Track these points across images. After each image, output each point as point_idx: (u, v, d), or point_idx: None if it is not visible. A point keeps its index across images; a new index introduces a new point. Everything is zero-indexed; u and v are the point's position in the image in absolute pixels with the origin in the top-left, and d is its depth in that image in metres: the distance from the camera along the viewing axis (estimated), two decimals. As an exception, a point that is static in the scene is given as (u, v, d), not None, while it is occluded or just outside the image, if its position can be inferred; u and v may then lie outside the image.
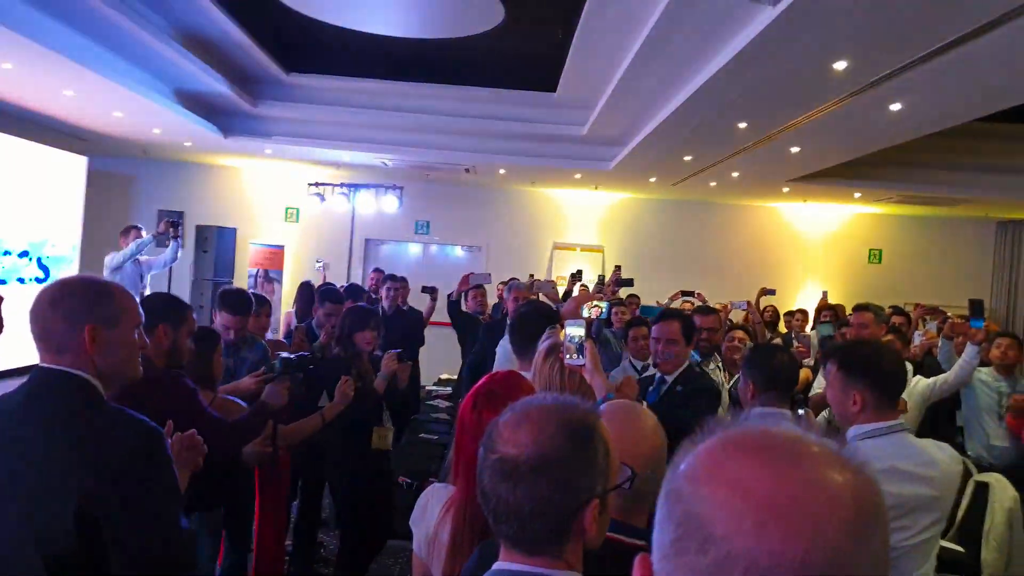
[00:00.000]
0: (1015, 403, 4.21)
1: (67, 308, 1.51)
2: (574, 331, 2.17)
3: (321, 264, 8.10)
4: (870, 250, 10.66)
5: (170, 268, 7.57)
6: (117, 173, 9.88)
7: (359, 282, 9.59)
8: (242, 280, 9.39)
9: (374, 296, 6.73)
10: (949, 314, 6.42)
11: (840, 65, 4.11)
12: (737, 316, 6.66)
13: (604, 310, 4.83)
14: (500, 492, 1.03)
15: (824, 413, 3.53)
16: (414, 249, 10.77)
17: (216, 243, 8.88)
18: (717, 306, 6.50)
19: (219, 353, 3.01)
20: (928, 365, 4.64)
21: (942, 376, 4.13)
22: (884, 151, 6.52)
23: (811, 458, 0.61)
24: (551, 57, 6.13)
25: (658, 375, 3.10)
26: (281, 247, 10.09)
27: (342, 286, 6.83)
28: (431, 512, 1.68)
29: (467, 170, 8.92)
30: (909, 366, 4.04)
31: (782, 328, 7.66)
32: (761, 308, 7.06)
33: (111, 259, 6.55)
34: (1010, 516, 3.42)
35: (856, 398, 2.07)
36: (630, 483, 1.18)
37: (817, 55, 3.99)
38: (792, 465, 0.60)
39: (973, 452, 4.33)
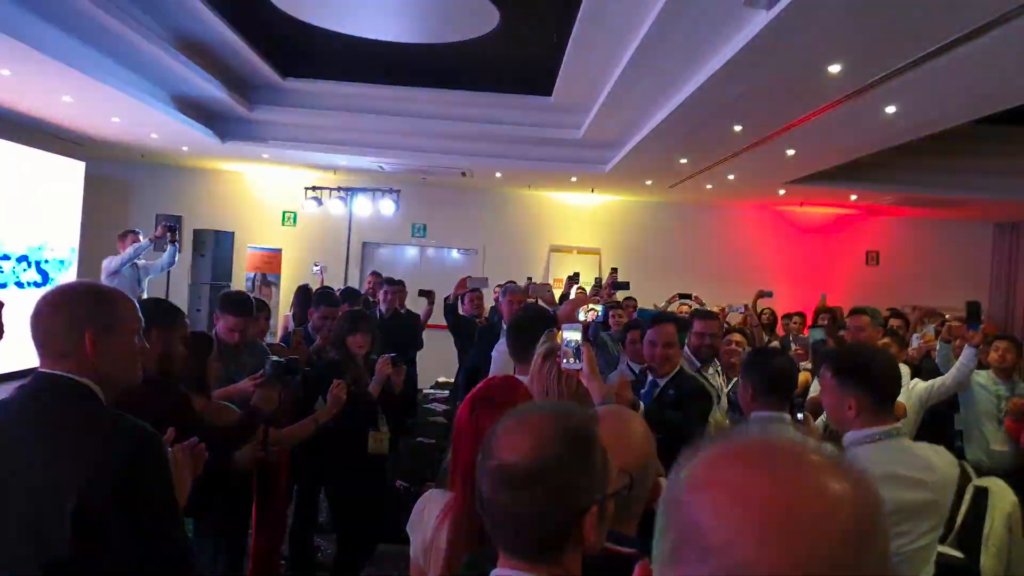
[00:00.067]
0: (1014, 407, 4.21)
1: (68, 314, 1.52)
2: (571, 335, 2.17)
3: (318, 267, 8.09)
4: (867, 252, 10.67)
5: (168, 272, 7.56)
6: (115, 178, 9.87)
7: (357, 285, 9.60)
8: (239, 284, 9.37)
9: (371, 299, 6.73)
10: (947, 316, 6.42)
11: (835, 68, 4.12)
12: (734, 319, 6.67)
13: (600, 313, 4.83)
14: (499, 499, 1.03)
15: (822, 417, 3.53)
16: (411, 252, 10.77)
17: (213, 247, 8.87)
18: (714, 309, 6.50)
19: (212, 358, 2.99)
20: (926, 368, 4.64)
21: (940, 379, 4.12)
22: (880, 153, 6.54)
23: (811, 467, 0.61)
24: (547, 61, 6.14)
25: (650, 378, 3.09)
26: (278, 251, 10.08)
27: (339, 289, 6.83)
28: (428, 518, 1.67)
29: (464, 173, 8.93)
30: (907, 369, 4.04)
31: (780, 331, 7.67)
32: (759, 311, 7.07)
33: (108, 263, 6.54)
34: (1010, 521, 3.42)
35: (851, 403, 2.07)
36: (628, 489, 1.18)
37: (812, 58, 4.00)
38: (792, 474, 0.60)
39: (972, 456, 4.31)
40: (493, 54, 6.25)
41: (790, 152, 6.53)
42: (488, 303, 6.22)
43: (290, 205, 10.35)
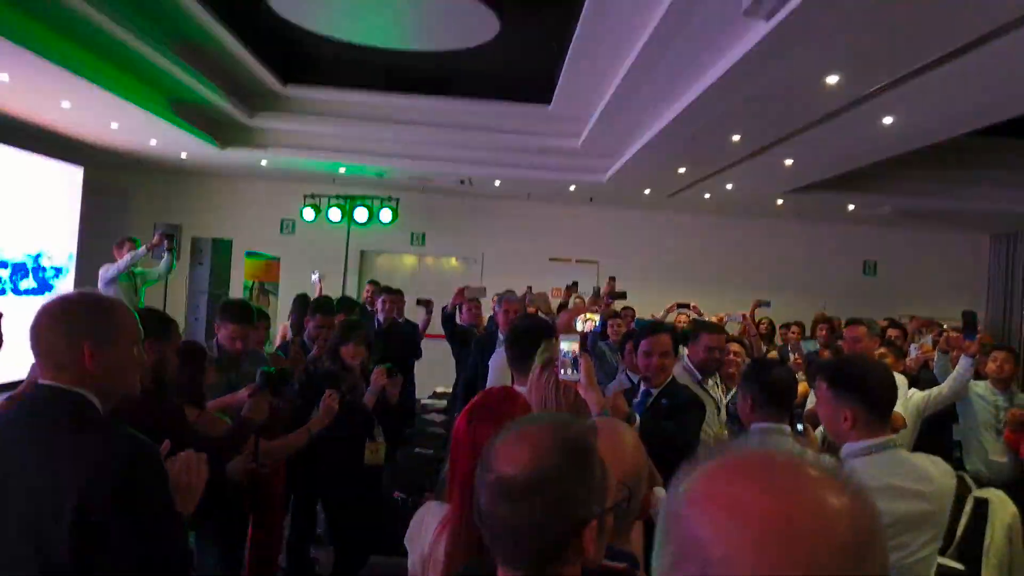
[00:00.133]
0: (1013, 417, 4.21)
1: (67, 325, 1.53)
2: (568, 346, 2.16)
3: (317, 276, 8.08)
4: (865, 262, 10.69)
5: (165, 280, 7.55)
6: (113, 184, 9.86)
7: (355, 294, 9.59)
8: (237, 292, 9.34)
9: (369, 308, 6.72)
10: (945, 327, 6.43)
11: (833, 79, 4.13)
12: (733, 329, 6.66)
13: (598, 323, 4.83)
14: (498, 512, 1.02)
15: (822, 428, 3.52)
16: (409, 261, 10.77)
17: (211, 255, 8.85)
18: (712, 318, 6.50)
19: (210, 367, 2.98)
20: (924, 379, 4.64)
21: (936, 389, 4.12)
22: (878, 164, 6.56)
23: (809, 480, 0.61)
24: (546, 70, 6.16)
25: (643, 388, 3.08)
26: (277, 259, 10.07)
27: (336, 298, 6.82)
28: (426, 530, 1.66)
29: (463, 182, 8.94)
30: (904, 379, 4.04)
31: (778, 340, 7.67)
32: (756, 320, 7.07)
33: (105, 271, 6.53)
34: (1010, 532, 3.41)
35: (847, 415, 2.06)
36: (628, 502, 1.17)
37: (810, 69, 4.02)
38: (790, 488, 0.60)
39: (972, 467, 4.31)
40: (493, 63, 6.27)
41: (788, 162, 6.55)
42: (487, 312, 6.20)
43: (289, 213, 10.35)
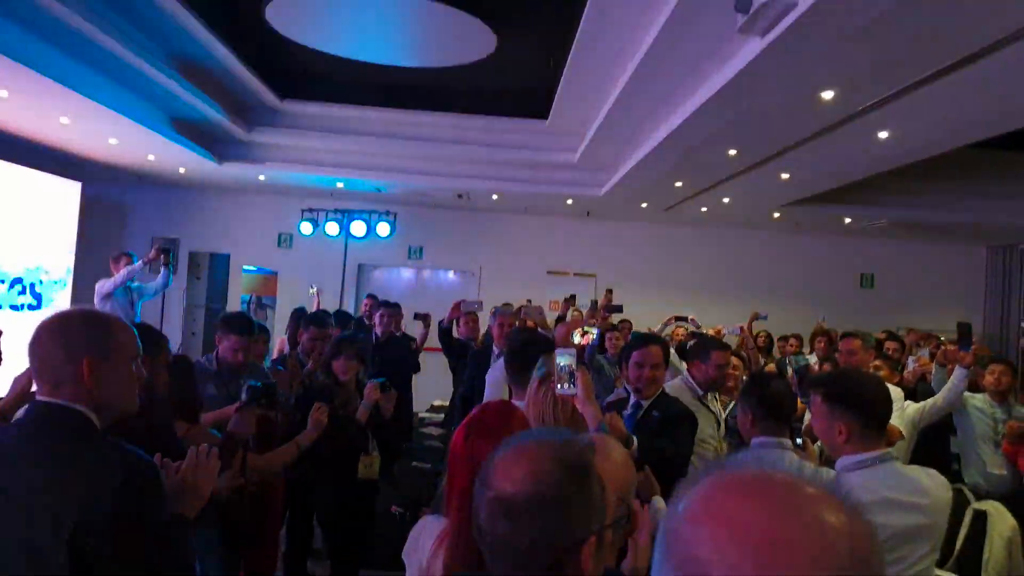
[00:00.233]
0: (1011, 430, 4.21)
1: (65, 341, 1.52)
2: (564, 360, 2.15)
3: (314, 290, 8.08)
4: (861, 275, 10.72)
5: (163, 295, 7.55)
6: (111, 199, 9.88)
7: (352, 308, 9.59)
8: (235, 306, 9.36)
9: (367, 322, 6.71)
10: (942, 339, 6.44)
11: (827, 95, 4.16)
12: (731, 341, 6.66)
13: (596, 336, 4.83)
14: (496, 529, 1.02)
15: (819, 442, 3.52)
16: (407, 274, 10.78)
17: (209, 269, 8.86)
18: (709, 331, 6.50)
19: (196, 382, 2.98)
20: (921, 391, 4.63)
21: (931, 400, 4.12)
22: (874, 177, 6.59)
23: (808, 500, 0.61)
24: (543, 86, 6.20)
25: (633, 399, 3.07)
26: (274, 273, 10.08)
27: (333, 312, 6.81)
28: (424, 545, 1.66)
29: (460, 196, 8.97)
30: (900, 392, 4.04)
31: (776, 353, 7.67)
32: (754, 333, 7.07)
33: (102, 286, 6.53)
34: (1009, 545, 3.40)
35: (841, 428, 2.07)
36: (627, 520, 1.17)
37: (805, 85, 4.05)
38: (789, 507, 0.60)
39: (970, 480, 4.30)
40: (490, 79, 6.31)
41: (784, 176, 6.58)
42: (485, 326, 6.20)
43: (286, 227, 10.36)
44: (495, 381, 3.60)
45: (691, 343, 4.54)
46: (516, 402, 2.28)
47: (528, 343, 2.96)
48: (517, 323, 4.90)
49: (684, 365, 3.94)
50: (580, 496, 1.04)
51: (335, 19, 4.99)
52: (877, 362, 4.42)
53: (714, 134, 5.25)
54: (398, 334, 6.02)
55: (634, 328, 7.62)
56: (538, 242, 10.55)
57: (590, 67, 5.17)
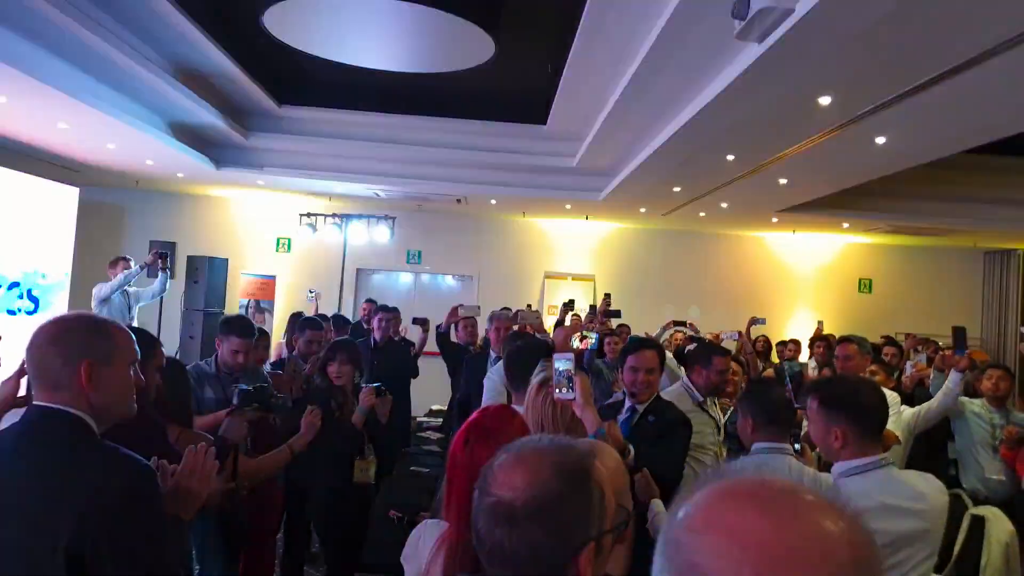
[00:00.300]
0: (1009, 435, 4.21)
1: (64, 345, 1.52)
2: (562, 365, 2.15)
3: (313, 294, 8.09)
4: (860, 280, 10.74)
5: (160, 299, 7.54)
6: (109, 204, 9.88)
7: (351, 312, 9.59)
8: (233, 310, 9.34)
9: (366, 326, 6.71)
10: (940, 344, 6.45)
11: (825, 100, 4.17)
12: (729, 347, 6.67)
13: (594, 341, 4.84)
14: (495, 536, 1.02)
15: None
16: (405, 279, 10.78)
17: (207, 273, 8.86)
18: (708, 336, 6.50)
19: (189, 386, 2.97)
20: (919, 397, 4.64)
21: (926, 404, 4.12)
22: (872, 182, 6.61)
23: (807, 507, 0.62)
24: (541, 91, 6.21)
25: (628, 404, 3.07)
26: (272, 277, 10.08)
27: (333, 315, 6.81)
28: (423, 549, 1.66)
29: (459, 201, 8.97)
30: (896, 396, 4.05)
31: (774, 358, 7.68)
32: (753, 338, 7.08)
33: (99, 290, 6.53)
34: (1007, 550, 3.40)
35: (837, 434, 2.07)
36: (626, 526, 1.17)
37: (802, 91, 4.06)
38: (789, 515, 0.61)
39: (968, 485, 4.30)
40: (488, 83, 6.32)
41: (782, 181, 6.59)
42: (483, 330, 6.20)
43: (284, 231, 10.37)
44: (493, 385, 3.60)
45: (689, 348, 4.53)
46: (515, 407, 2.29)
47: (527, 349, 2.96)
48: (515, 328, 4.90)
49: (682, 370, 3.94)
50: (579, 502, 1.04)
51: (333, 25, 4.99)
52: (873, 367, 4.43)
53: (712, 139, 5.26)
54: (397, 338, 6.02)
55: (632, 333, 7.63)
56: (536, 246, 10.57)
57: (588, 72, 5.18)
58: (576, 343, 4.66)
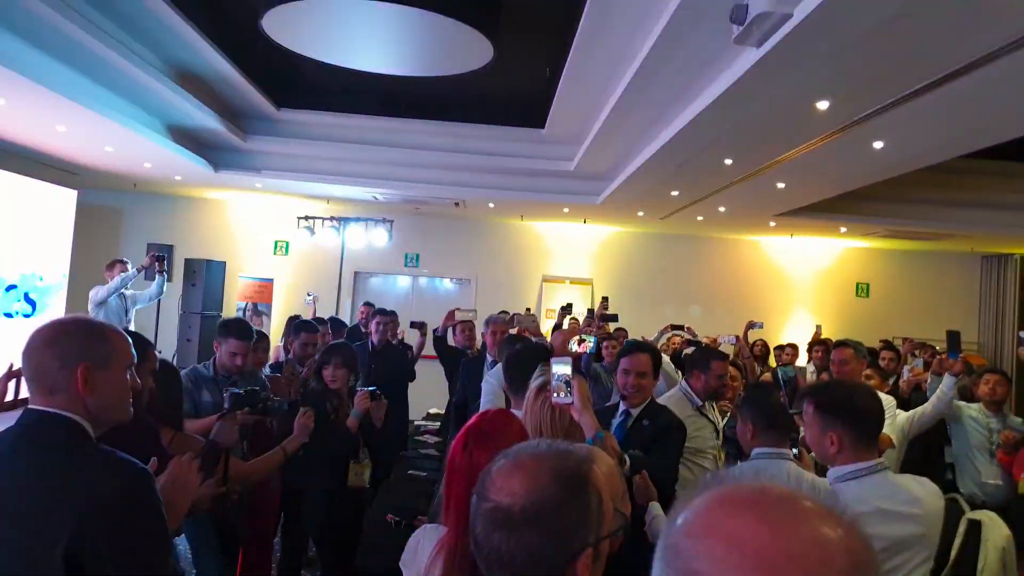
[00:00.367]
0: (1006, 439, 4.22)
1: (61, 348, 1.52)
2: (560, 369, 2.15)
3: (311, 297, 8.08)
4: (857, 284, 10.75)
5: (158, 301, 7.53)
6: (107, 206, 9.88)
7: (348, 315, 9.59)
8: (230, 313, 9.33)
9: (364, 330, 6.70)
10: (938, 348, 6.46)
11: (823, 105, 4.18)
12: (726, 350, 6.67)
13: (592, 345, 4.83)
14: (493, 541, 1.02)
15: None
16: (403, 282, 10.78)
17: (205, 276, 8.85)
18: (705, 339, 6.51)
19: (181, 389, 2.97)
20: (916, 401, 4.65)
21: (920, 408, 4.13)
22: (869, 186, 6.62)
23: (805, 514, 0.62)
24: (540, 94, 6.22)
25: (622, 407, 3.07)
26: (270, 280, 10.08)
27: (329, 318, 6.81)
28: (422, 554, 1.65)
29: (457, 204, 8.97)
30: (892, 400, 4.05)
31: (772, 362, 7.68)
32: (750, 342, 7.08)
33: (95, 293, 6.52)
34: (1003, 555, 3.40)
35: (833, 439, 2.07)
36: (624, 531, 1.17)
37: (800, 95, 4.07)
38: (787, 521, 0.61)
39: (966, 490, 4.31)
40: (487, 87, 6.33)
41: (780, 185, 6.61)
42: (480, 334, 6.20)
43: (282, 234, 10.37)
44: (491, 389, 3.60)
45: (686, 352, 4.54)
46: (515, 411, 2.28)
47: (526, 352, 2.97)
48: (513, 331, 4.90)
49: (679, 374, 3.94)
50: (577, 508, 1.04)
51: (331, 28, 5.00)
52: (868, 371, 4.43)
53: (710, 144, 5.27)
54: (394, 342, 6.02)
55: (630, 337, 7.63)
56: (534, 250, 10.57)
57: (587, 76, 5.19)
58: (574, 347, 4.66)
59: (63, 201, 8.10)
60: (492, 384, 3.62)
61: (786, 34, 3.17)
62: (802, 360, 7.56)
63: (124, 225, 10.14)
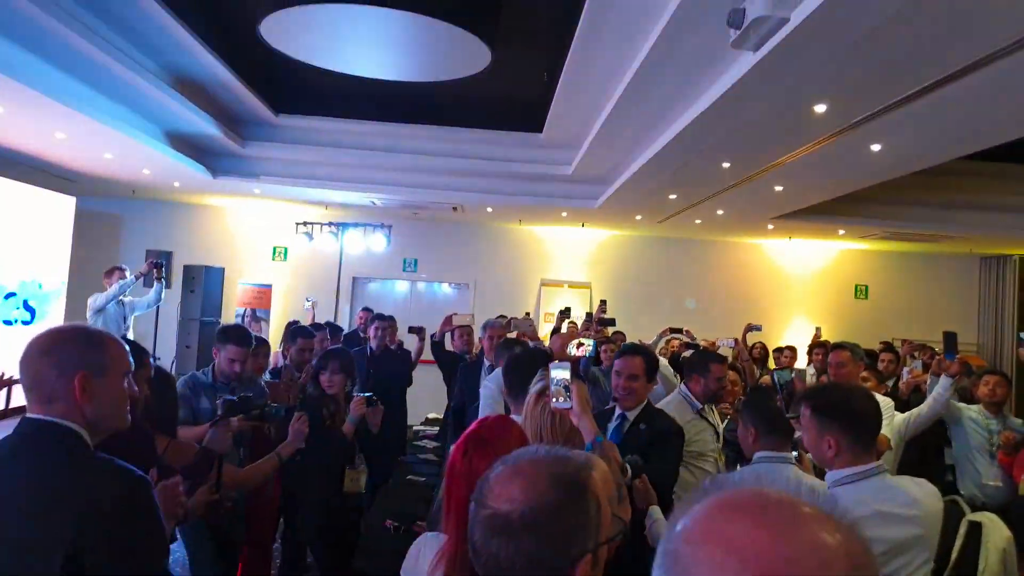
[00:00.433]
0: (1006, 440, 4.22)
1: (59, 357, 1.52)
2: (559, 374, 2.15)
3: (310, 303, 8.08)
4: (856, 286, 10.76)
5: (157, 309, 7.52)
6: (105, 213, 9.87)
7: (347, 320, 9.58)
8: (229, 320, 9.33)
9: (362, 335, 6.70)
10: (937, 350, 6.46)
11: (820, 108, 4.19)
12: (726, 354, 6.67)
13: (591, 348, 4.83)
14: (491, 548, 1.02)
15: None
16: (402, 287, 10.78)
17: (204, 283, 8.85)
18: (703, 343, 6.51)
19: (176, 396, 2.97)
20: (915, 402, 4.64)
21: (916, 410, 4.13)
22: (868, 188, 6.63)
23: (804, 519, 0.62)
24: (537, 99, 6.23)
25: (618, 411, 3.06)
26: (269, 286, 10.07)
27: (326, 323, 6.80)
28: (423, 562, 1.65)
29: (455, 209, 8.98)
30: (890, 401, 4.05)
31: (771, 365, 7.68)
32: (749, 345, 7.08)
33: (94, 300, 6.51)
34: (1004, 557, 3.40)
35: (831, 442, 2.07)
36: (623, 536, 1.17)
37: (798, 98, 4.08)
38: (787, 527, 0.61)
39: (966, 491, 4.31)
40: (484, 92, 6.34)
41: (778, 188, 6.61)
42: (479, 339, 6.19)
43: (281, 240, 10.36)
44: (490, 394, 3.59)
45: (684, 355, 4.53)
46: (514, 416, 2.28)
47: (526, 357, 2.96)
48: (511, 335, 4.90)
49: (678, 378, 3.94)
50: (576, 514, 1.03)
51: (330, 34, 5.00)
52: (865, 373, 4.43)
53: (708, 147, 5.28)
54: (393, 347, 6.02)
55: (628, 340, 7.63)
56: (532, 254, 10.57)
57: (584, 80, 5.19)
58: (573, 351, 4.66)
59: (62, 208, 8.11)
60: (491, 389, 3.62)
61: (783, 38, 3.18)
62: (801, 362, 7.57)
63: (123, 232, 10.13)
